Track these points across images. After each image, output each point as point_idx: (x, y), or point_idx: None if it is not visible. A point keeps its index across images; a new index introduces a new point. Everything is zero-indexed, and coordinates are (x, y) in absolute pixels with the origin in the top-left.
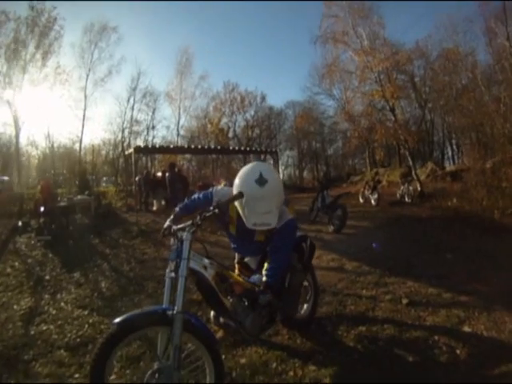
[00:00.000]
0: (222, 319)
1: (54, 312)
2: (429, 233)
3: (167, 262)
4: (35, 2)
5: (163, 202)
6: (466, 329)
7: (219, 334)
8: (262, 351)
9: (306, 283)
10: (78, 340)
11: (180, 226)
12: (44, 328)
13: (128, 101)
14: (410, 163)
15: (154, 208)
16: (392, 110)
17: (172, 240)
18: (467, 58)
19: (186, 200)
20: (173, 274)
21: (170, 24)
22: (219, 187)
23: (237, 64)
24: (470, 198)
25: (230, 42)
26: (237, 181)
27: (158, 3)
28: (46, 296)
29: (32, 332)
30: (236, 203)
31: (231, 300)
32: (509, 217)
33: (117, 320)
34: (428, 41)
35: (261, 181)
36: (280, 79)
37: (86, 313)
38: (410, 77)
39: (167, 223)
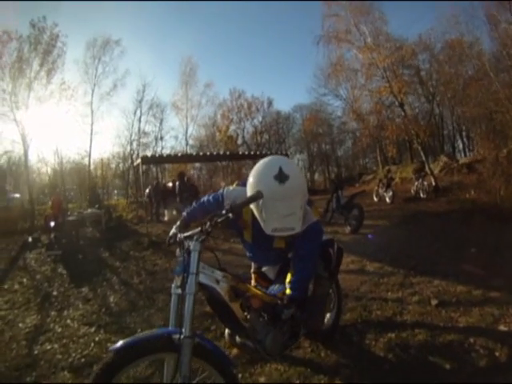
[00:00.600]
0: (238, 338)
1: (59, 330)
2: (448, 228)
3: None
4: (36, 20)
5: (174, 212)
6: (502, 328)
7: (234, 352)
8: (283, 368)
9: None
10: (83, 360)
11: (187, 234)
12: (48, 347)
13: (135, 113)
14: (423, 158)
15: (166, 218)
16: (401, 105)
17: (177, 250)
18: (472, 48)
19: (194, 204)
20: (179, 291)
21: (172, 34)
22: (231, 188)
23: (241, 70)
24: (487, 189)
25: (233, 49)
26: (251, 179)
27: (160, 14)
28: (53, 313)
29: (36, 352)
30: (252, 205)
31: (248, 316)
32: None
33: (115, 346)
34: (431, 33)
35: (281, 177)
36: (285, 83)
37: (92, 330)
38: (415, 71)
39: (173, 230)
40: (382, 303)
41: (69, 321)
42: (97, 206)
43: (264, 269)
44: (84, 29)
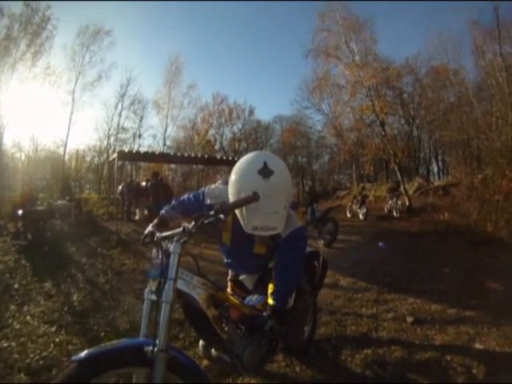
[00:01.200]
0: (213, 351)
1: (18, 326)
2: (422, 247)
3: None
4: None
5: (146, 212)
6: (478, 346)
7: (204, 363)
8: (256, 382)
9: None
10: (41, 362)
11: (166, 234)
12: (5, 345)
13: (116, 107)
14: (399, 178)
15: (137, 217)
16: (382, 124)
17: (154, 251)
18: (456, 75)
19: (173, 202)
20: (154, 297)
21: (162, 32)
22: (213, 186)
23: (226, 75)
24: (461, 212)
25: (221, 53)
26: (233, 175)
27: (152, 10)
28: (12, 307)
29: None
30: (230, 196)
31: (226, 328)
32: (501, 230)
33: (78, 356)
34: (417, 58)
35: (265, 172)
36: (269, 92)
37: (53, 329)
38: (398, 93)
39: (149, 228)
40: (356, 319)
41: (29, 317)
42: (68, 198)
43: (241, 277)
44: (76, 14)
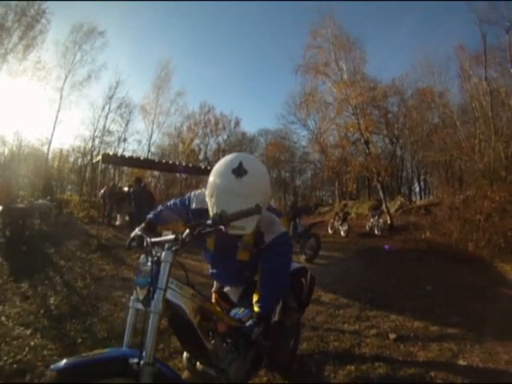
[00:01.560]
0: (198, 364)
1: None
2: (403, 265)
3: (129, 284)
4: None
5: (127, 218)
6: (462, 362)
7: (185, 374)
8: None
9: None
10: (15, 366)
11: (158, 239)
12: None
13: (103, 109)
14: (381, 196)
15: (117, 223)
16: (366, 142)
17: (142, 257)
18: (441, 97)
19: (160, 207)
20: (140, 306)
21: (154, 37)
22: (198, 191)
23: (214, 85)
24: (442, 231)
25: (210, 63)
26: (211, 177)
27: (147, 15)
28: None
29: None
30: (207, 199)
31: (213, 341)
32: (482, 249)
33: (58, 365)
34: (404, 79)
35: (239, 171)
36: (256, 105)
37: (28, 332)
38: (384, 113)
39: (137, 232)
40: (339, 335)
41: (3, 318)
42: (49, 197)
43: (226, 289)
44: (71, 11)
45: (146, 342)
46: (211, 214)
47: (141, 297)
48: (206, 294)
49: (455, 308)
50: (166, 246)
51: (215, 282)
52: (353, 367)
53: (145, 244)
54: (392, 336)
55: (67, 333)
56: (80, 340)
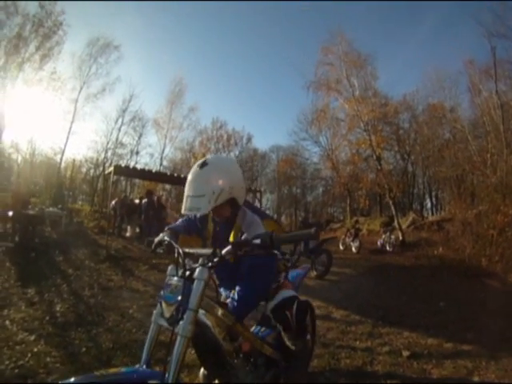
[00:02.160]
0: (216, 382)
1: None
2: (416, 281)
3: (137, 295)
4: (47, 1)
5: (137, 230)
6: (477, 379)
7: None
8: None
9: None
10: (16, 371)
11: (192, 251)
12: None
13: (116, 121)
14: (393, 212)
15: (128, 234)
16: (378, 159)
17: (170, 268)
18: (452, 112)
19: (174, 223)
20: (165, 323)
21: (169, 53)
22: None
23: (227, 102)
24: (455, 247)
25: (222, 80)
26: None
27: (162, 30)
28: None
29: None
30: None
31: (236, 360)
32: (496, 264)
33: (68, 382)
34: (415, 95)
35: (202, 164)
36: (268, 122)
37: (32, 338)
38: (395, 129)
39: (163, 237)
40: (350, 352)
41: (8, 322)
42: (60, 206)
43: (228, 300)
44: (87, 24)
45: (171, 365)
46: (183, 206)
47: (167, 314)
48: None
49: (469, 324)
50: (201, 260)
51: (222, 290)
52: None
53: (176, 254)
54: (405, 353)
55: (71, 341)
56: (84, 349)
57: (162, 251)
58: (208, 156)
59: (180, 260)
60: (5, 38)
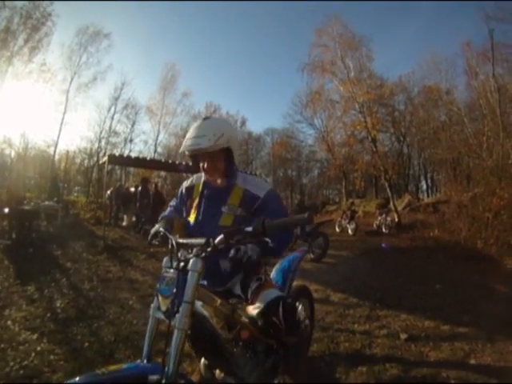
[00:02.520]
0: (218, 372)
1: None
2: (412, 263)
3: (136, 286)
4: None
5: (134, 218)
6: (474, 362)
7: (194, 376)
8: None
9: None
10: (22, 372)
11: (185, 241)
12: None
13: (109, 110)
14: (389, 194)
15: (124, 223)
16: (373, 141)
17: (165, 260)
18: (448, 94)
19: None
20: (161, 315)
21: (160, 38)
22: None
23: (220, 85)
24: (450, 229)
25: (215, 63)
26: None
27: (152, 16)
28: None
29: None
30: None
31: (235, 349)
32: (491, 247)
33: (73, 382)
34: (411, 77)
35: (205, 118)
36: (262, 105)
37: (34, 337)
38: (390, 111)
39: (159, 228)
40: (349, 335)
41: (9, 322)
42: (55, 199)
43: (228, 284)
44: (76, 13)
45: (170, 359)
46: (182, 146)
47: (163, 307)
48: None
49: (465, 307)
50: (195, 251)
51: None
52: (364, 368)
53: (169, 245)
54: (403, 336)
55: (74, 337)
56: (87, 344)
57: (157, 243)
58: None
59: (174, 251)
60: None
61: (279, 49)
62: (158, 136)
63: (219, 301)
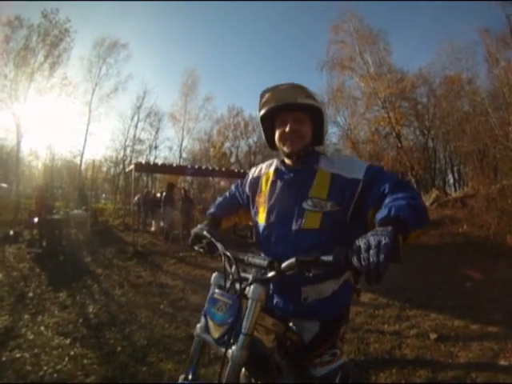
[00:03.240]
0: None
1: (31, 337)
2: (441, 261)
3: (167, 290)
4: (49, 10)
5: (162, 224)
6: (503, 362)
7: None
8: None
9: None
10: (55, 376)
11: (242, 256)
12: (18, 355)
13: (132, 119)
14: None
15: (153, 229)
16: (398, 136)
17: (215, 275)
18: (470, 84)
19: (218, 199)
20: (213, 343)
21: (179, 44)
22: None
23: (242, 88)
24: (479, 224)
25: (236, 66)
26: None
27: (169, 23)
28: (26, 316)
29: (4, 358)
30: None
31: (283, 362)
32: None
33: None
34: (431, 68)
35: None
36: None
37: (67, 342)
38: (413, 104)
39: (201, 230)
40: (379, 336)
41: (43, 328)
42: (84, 207)
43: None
44: (94, 27)
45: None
46: (266, 103)
47: (215, 334)
48: None
49: (495, 305)
50: (254, 273)
51: None
52: (394, 370)
53: (223, 259)
54: (433, 336)
55: (106, 341)
56: (120, 348)
57: (201, 250)
58: None
59: (228, 269)
60: (13, 52)
61: (296, 48)
62: (182, 141)
63: (271, 320)
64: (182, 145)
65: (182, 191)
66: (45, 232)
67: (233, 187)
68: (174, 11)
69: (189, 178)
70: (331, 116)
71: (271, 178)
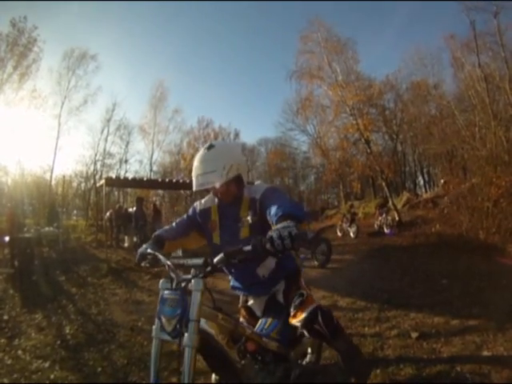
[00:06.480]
0: None
1: (9, 362)
2: (416, 261)
3: (143, 307)
4: (18, 19)
5: (135, 239)
6: (486, 353)
7: None
8: None
9: None
10: None
11: (182, 262)
12: None
13: (102, 132)
14: (387, 193)
15: (126, 244)
16: (367, 142)
17: (162, 282)
18: (436, 89)
19: (169, 225)
20: (167, 337)
21: (147, 56)
22: (202, 200)
23: (211, 99)
24: (451, 222)
25: (205, 78)
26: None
27: (137, 34)
28: (2, 340)
29: None
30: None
31: (243, 362)
32: (493, 236)
33: None
34: (397, 74)
35: (208, 147)
36: (253, 116)
37: (46, 365)
38: (381, 110)
39: (146, 249)
40: (360, 339)
41: (20, 352)
42: (55, 224)
43: (250, 302)
44: (62, 38)
45: (184, 377)
46: (194, 184)
47: (168, 328)
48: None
49: (473, 299)
50: (193, 271)
51: (241, 296)
52: (378, 371)
53: (167, 268)
54: (414, 335)
55: (86, 362)
56: (100, 369)
57: (148, 265)
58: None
59: (171, 273)
60: None
61: (266, 58)
62: (152, 154)
63: (221, 315)
64: (152, 158)
65: (152, 205)
66: (16, 251)
67: (184, 215)
68: (142, 22)
69: (160, 192)
70: (300, 125)
71: (217, 209)
